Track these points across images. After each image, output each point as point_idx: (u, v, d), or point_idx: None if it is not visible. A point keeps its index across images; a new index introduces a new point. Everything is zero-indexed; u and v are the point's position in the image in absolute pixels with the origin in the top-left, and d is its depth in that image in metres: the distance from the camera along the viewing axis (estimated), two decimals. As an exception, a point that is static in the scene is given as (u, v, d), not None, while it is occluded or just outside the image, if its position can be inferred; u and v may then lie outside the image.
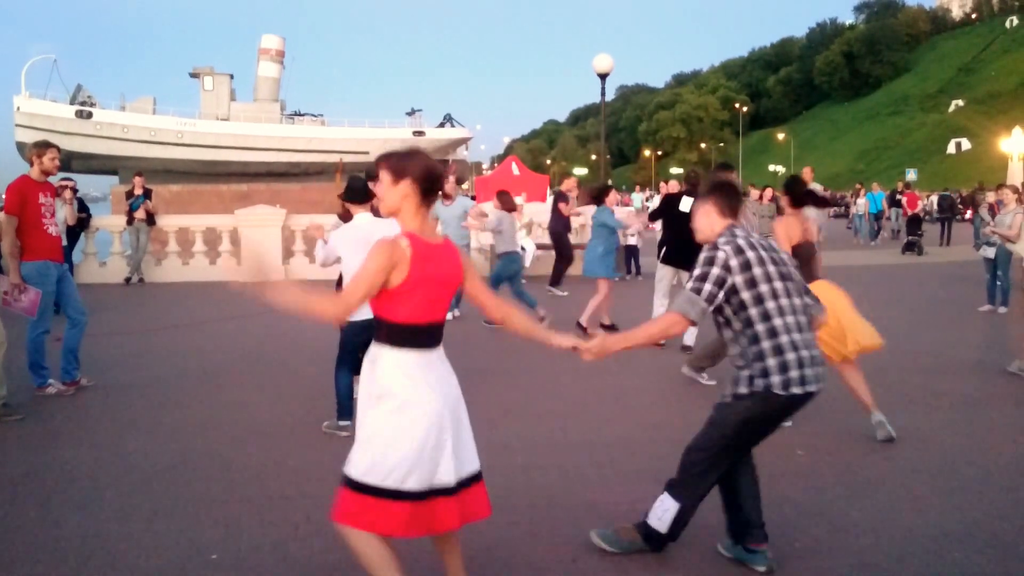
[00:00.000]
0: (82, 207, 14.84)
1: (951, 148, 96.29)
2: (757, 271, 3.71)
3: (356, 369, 5.90)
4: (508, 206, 11.55)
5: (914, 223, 23.23)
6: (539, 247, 17.34)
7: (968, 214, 31.58)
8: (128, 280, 16.21)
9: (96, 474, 5.36)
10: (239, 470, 5.45)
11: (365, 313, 3.34)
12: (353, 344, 6.05)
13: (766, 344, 3.68)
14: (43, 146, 7.38)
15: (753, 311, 3.70)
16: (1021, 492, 4.96)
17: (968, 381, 7.79)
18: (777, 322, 3.68)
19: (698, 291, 3.71)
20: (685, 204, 8.89)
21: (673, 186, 16.67)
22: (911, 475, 5.25)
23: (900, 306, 12.71)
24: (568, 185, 16.19)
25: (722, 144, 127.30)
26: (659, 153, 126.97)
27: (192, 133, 58.98)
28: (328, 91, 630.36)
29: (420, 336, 3.20)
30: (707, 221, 3.96)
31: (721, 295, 3.70)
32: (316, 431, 6.28)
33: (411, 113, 67.31)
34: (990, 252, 12.22)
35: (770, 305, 3.70)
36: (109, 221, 17.48)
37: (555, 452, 5.76)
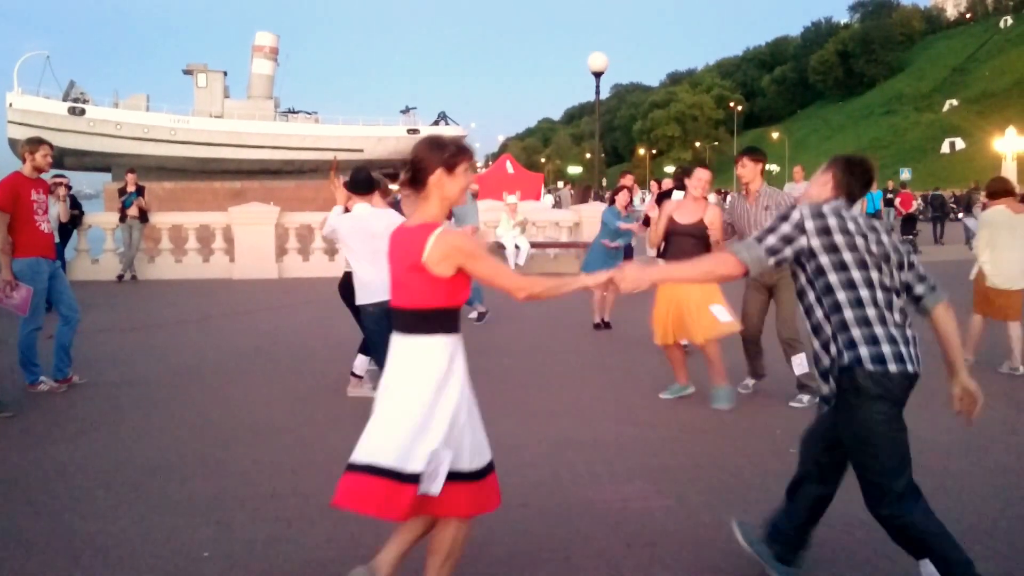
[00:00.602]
0: (75, 204, 14.80)
1: (945, 148, 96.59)
2: (839, 238, 3.29)
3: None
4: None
5: (908, 223, 23.29)
6: (534, 245, 17.34)
7: (960, 214, 31.65)
8: (121, 277, 16.17)
9: (87, 472, 5.35)
10: (231, 468, 5.44)
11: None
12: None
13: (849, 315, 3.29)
14: (36, 143, 7.35)
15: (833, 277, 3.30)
16: (1013, 491, 4.98)
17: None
18: (864, 293, 3.28)
19: (760, 240, 3.38)
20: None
21: (667, 184, 16.69)
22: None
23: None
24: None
25: (716, 143, 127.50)
26: (654, 152, 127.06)
27: (185, 130, 58.81)
28: (322, 88, 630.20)
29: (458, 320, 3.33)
30: (818, 191, 3.53)
31: (788, 252, 3.33)
32: (309, 429, 6.27)
33: (406, 111, 67.21)
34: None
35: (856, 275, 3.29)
36: (102, 218, 17.45)
37: (548, 450, 5.76)
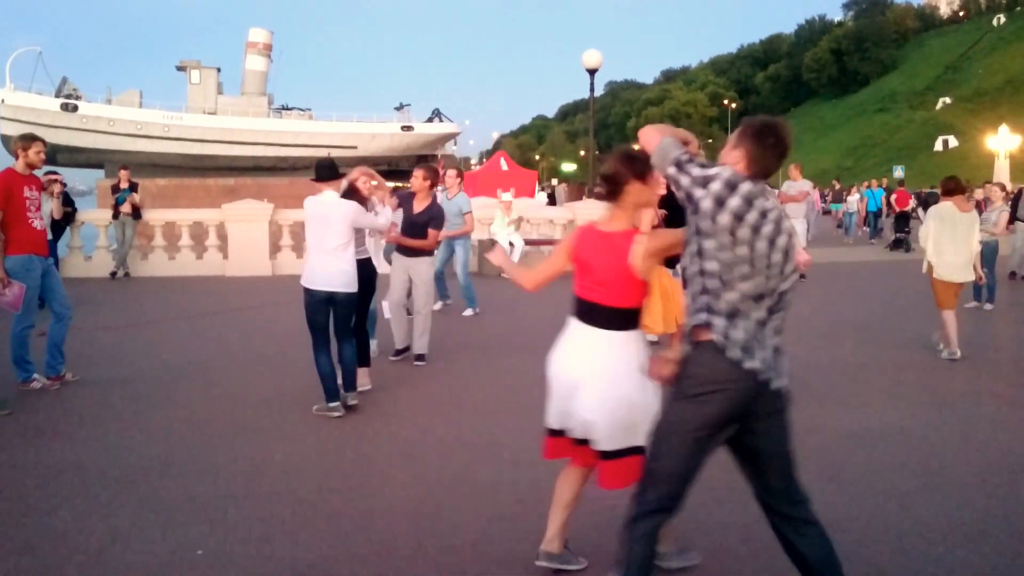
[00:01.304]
0: (67, 201, 14.71)
1: (938, 145, 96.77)
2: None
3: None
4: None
5: (901, 220, 23.36)
6: (528, 243, 17.32)
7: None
8: (114, 274, 16.12)
9: (81, 469, 5.33)
10: (225, 465, 5.43)
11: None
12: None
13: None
14: (29, 139, 7.33)
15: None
16: (1005, 488, 4.99)
17: (953, 377, 7.84)
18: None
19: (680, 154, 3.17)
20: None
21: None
22: (895, 470, 5.27)
23: (886, 302, 12.76)
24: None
25: (711, 140, 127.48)
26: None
27: (179, 127, 58.77)
28: (316, 85, 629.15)
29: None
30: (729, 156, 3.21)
31: (685, 182, 3.07)
32: (303, 426, 6.26)
33: (400, 108, 67.26)
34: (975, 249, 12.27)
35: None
36: (95, 215, 17.38)
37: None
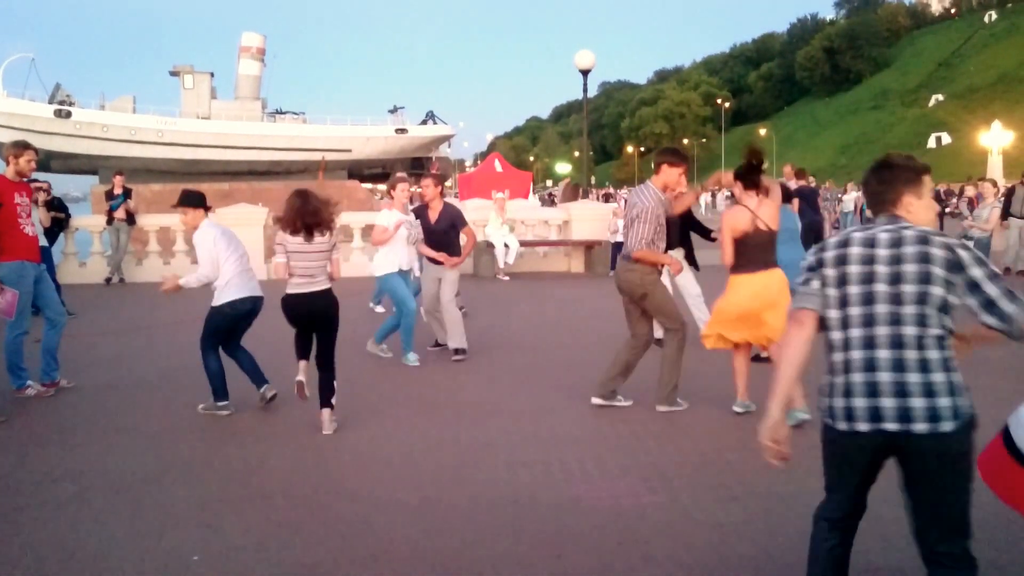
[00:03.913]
0: (61, 207, 14.70)
1: (932, 142, 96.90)
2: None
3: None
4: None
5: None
6: (523, 244, 17.33)
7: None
8: (108, 280, 16.08)
9: (76, 476, 5.31)
10: (220, 470, 5.41)
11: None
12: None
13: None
14: (20, 147, 7.30)
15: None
16: (1002, 483, 4.99)
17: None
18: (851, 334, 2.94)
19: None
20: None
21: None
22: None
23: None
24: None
25: (704, 140, 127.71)
26: (642, 149, 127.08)
27: (172, 132, 58.62)
28: (310, 89, 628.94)
29: None
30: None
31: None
32: (297, 430, 6.25)
33: (393, 111, 67.14)
34: (968, 245, 12.30)
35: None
36: (89, 221, 17.34)
37: (539, 448, 5.75)
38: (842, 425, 2.91)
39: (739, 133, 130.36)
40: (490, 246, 16.77)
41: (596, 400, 6.76)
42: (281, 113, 65.53)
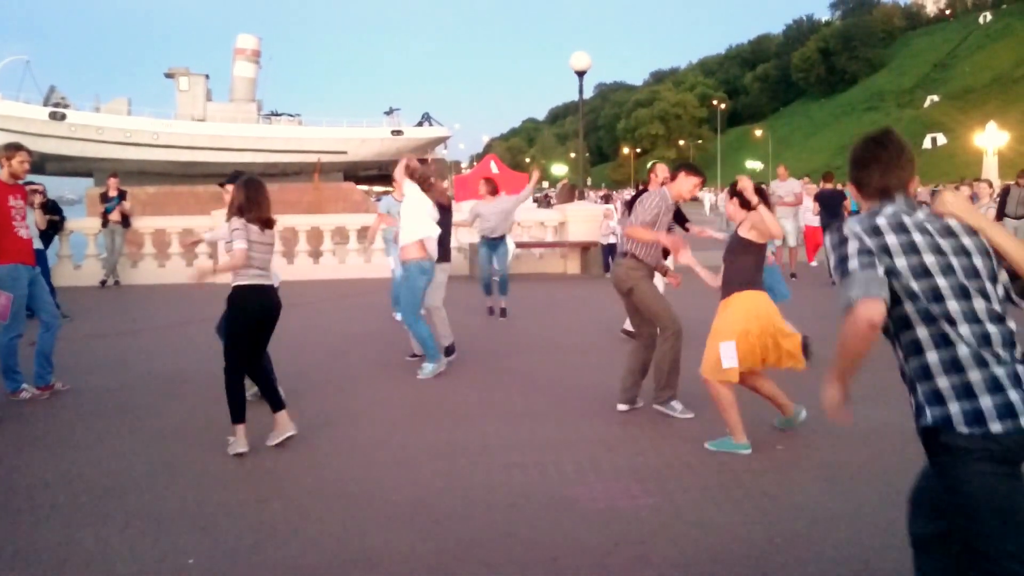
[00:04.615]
0: (56, 209, 14.64)
1: (927, 143, 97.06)
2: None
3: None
4: (493, 192, 11.83)
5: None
6: (519, 245, 17.31)
7: None
8: (103, 283, 16.05)
9: (70, 479, 5.29)
10: (215, 473, 5.40)
11: None
12: None
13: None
14: (13, 148, 7.28)
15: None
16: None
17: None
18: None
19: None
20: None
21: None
22: (890, 469, 5.26)
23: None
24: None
25: (700, 141, 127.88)
26: (638, 151, 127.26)
27: (168, 134, 58.62)
28: (305, 91, 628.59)
29: None
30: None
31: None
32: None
33: (389, 112, 67.23)
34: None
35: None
36: (84, 223, 17.31)
37: (535, 450, 5.74)
38: (999, 427, 2.45)
39: (735, 134, 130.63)
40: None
41: (621, 407, 6.70)
42: (277, 115, 65.56)
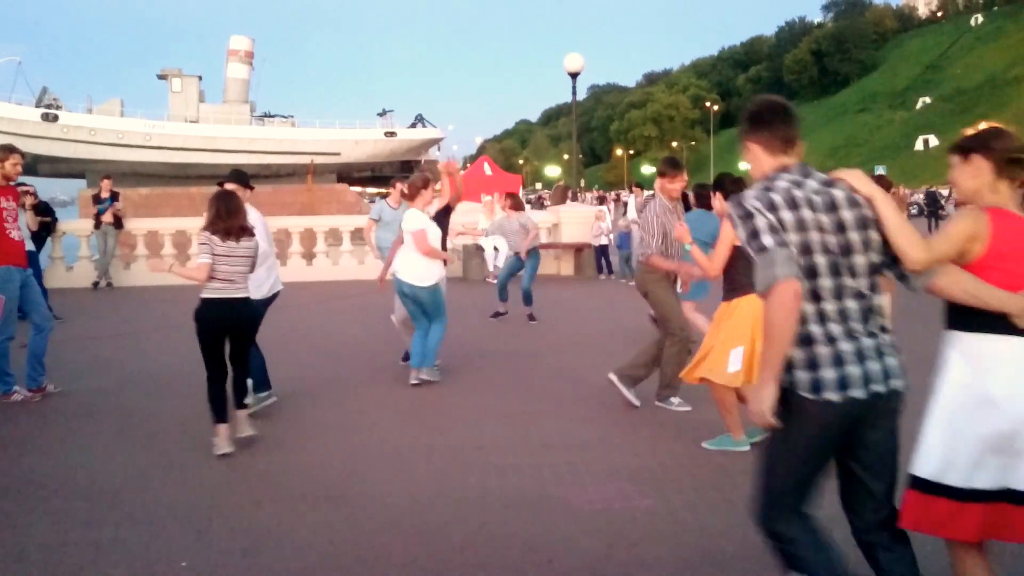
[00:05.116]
0: (48, 211, 14.60)
1: (919, 145, 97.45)
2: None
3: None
4: (517, 206, 12.21)
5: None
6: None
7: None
8: (96, 284, 16.00)
9: (63, 482, 5.27)
10: (208, 476, 5.38)
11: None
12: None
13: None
14: (6, 151, 7.25)
15: None
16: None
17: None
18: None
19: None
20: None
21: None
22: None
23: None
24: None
25: (693, 143, 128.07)
26: (631, 152, 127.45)
27: (160, 135, 58.47)
28: (298, 92, 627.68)
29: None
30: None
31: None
32: (288, 435, 6.22)
33: (382, 114, 67.17)
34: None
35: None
36: (76, 225, 17.27)
37: (530, 452, 5.74)
38: (834, 396, 2.74)
39: (728, 136, 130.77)
40: (479, 249, 16.76)
41: (612, 376, 6.90)
42: (270, 116, 65.45)
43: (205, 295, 5.77)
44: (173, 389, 7.69)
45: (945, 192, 35.26)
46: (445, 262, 7.93)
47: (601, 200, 42.73)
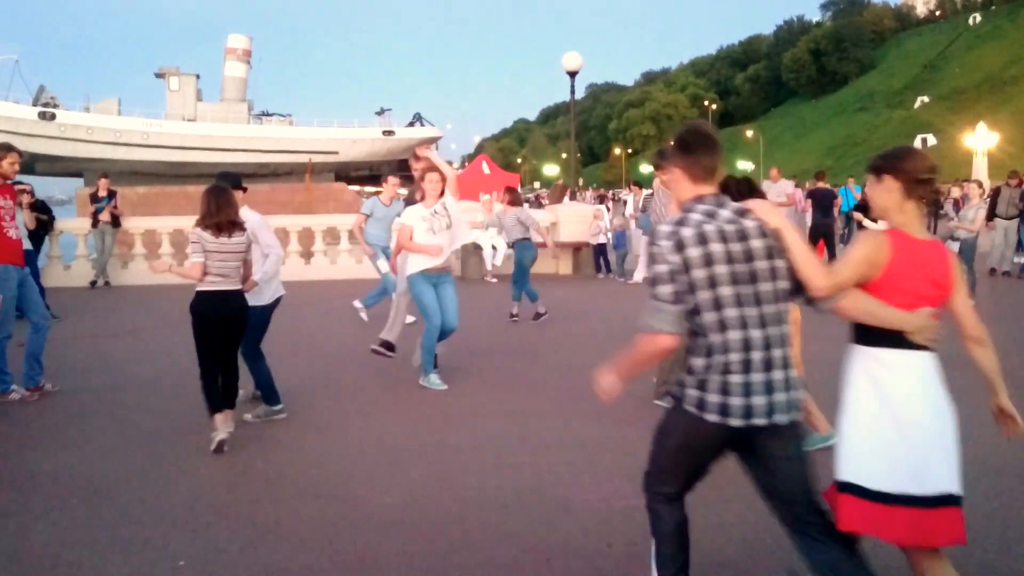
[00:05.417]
0: (45, 209, 14.57)
1: (917, 144, 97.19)
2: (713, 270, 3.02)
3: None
4: (515, 201, 12.11)
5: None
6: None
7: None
8: (94, 283, 15.98)
9: (61, 481, 5.26)
10: (206, 475, 5.38)
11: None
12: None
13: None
14: (4, 149, 7.24)
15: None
16: (990, 483, 5.01)
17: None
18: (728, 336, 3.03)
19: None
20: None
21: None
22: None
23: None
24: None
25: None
26: (629, 151, 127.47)
27: (158, 134, 58.34)
28: (296, 91, 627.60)
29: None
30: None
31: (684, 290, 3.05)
32: (284, 433, 6.22)
33: (380, 112, 67.02)
34: (954, 246, 12.39)
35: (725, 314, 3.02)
36: (74, 224, 17.25)
37: (527, 451, 5.73)
38: (713, 418, 3.00)
39: (726, 135, 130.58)
40: (478, 248, 16.76)
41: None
42: (267, 115, 65.31)
43: (200, 288, 5.90)
44: (171, 388, 7.68)
45: (945, 191, 35.27)
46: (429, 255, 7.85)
47: (601, 199, 42.73)
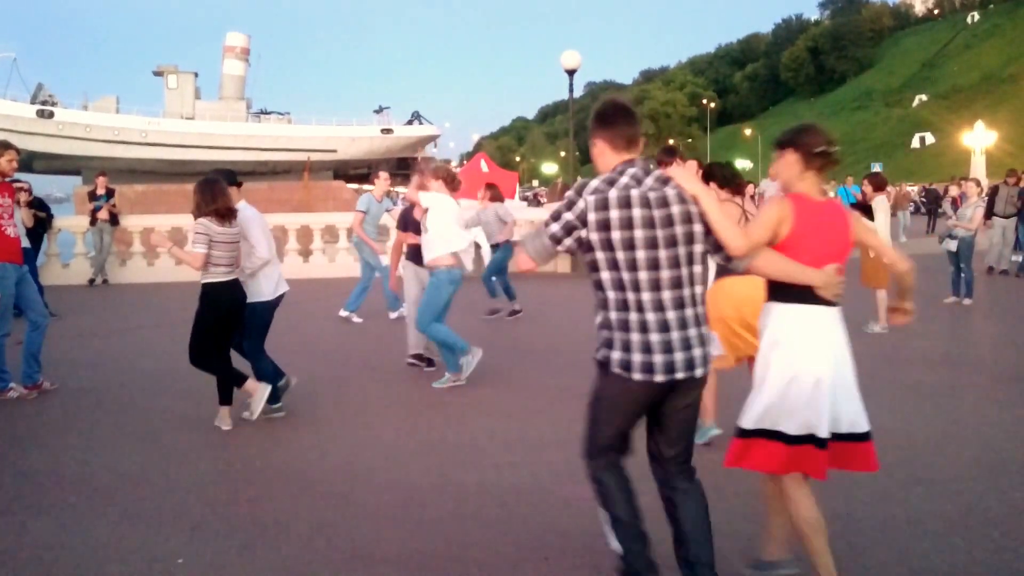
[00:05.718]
0: (43, 207, 14.56)
1: (915, 142, 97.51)
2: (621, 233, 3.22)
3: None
4: (496, 198, 11.96)
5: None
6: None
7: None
8: (92, 281, 15.99)
9: (60, 479, 5.26)
10: (205, 472, 5.38)
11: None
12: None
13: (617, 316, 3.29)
14: (2, 147, 7.24)
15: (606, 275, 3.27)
16: (987, 483, 5.01)
17: (934, 373, 7.85)
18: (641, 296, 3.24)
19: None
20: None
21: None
22: (882, 467, 5.27)
23: (866, 298, 12.83)
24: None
25: (690, 140, 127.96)
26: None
27: (156, 132, 58.26)
28: (295, 89, 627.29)
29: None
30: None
31: (570, 242, 3.29)
32: (283, 432, 6.22)
33: (379, 111, 66.99)
34: (952, 245, 12.40)
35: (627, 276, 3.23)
36: (72, 222, 17.24)
37: (526, 449, 5.74)
38: (639, 376, 3.22)
39: (724, 133, 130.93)
40: (476, 246, 16.72)
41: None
42: (266, 113, 65.25)
43: (210, 279, 5.99)
44: (169, 385, 7.68)
45: (943, 189, 35.31)
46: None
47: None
